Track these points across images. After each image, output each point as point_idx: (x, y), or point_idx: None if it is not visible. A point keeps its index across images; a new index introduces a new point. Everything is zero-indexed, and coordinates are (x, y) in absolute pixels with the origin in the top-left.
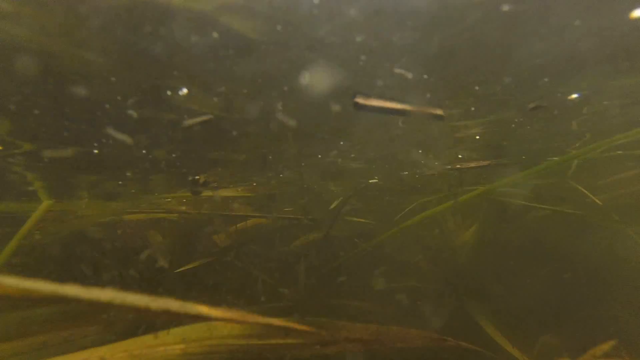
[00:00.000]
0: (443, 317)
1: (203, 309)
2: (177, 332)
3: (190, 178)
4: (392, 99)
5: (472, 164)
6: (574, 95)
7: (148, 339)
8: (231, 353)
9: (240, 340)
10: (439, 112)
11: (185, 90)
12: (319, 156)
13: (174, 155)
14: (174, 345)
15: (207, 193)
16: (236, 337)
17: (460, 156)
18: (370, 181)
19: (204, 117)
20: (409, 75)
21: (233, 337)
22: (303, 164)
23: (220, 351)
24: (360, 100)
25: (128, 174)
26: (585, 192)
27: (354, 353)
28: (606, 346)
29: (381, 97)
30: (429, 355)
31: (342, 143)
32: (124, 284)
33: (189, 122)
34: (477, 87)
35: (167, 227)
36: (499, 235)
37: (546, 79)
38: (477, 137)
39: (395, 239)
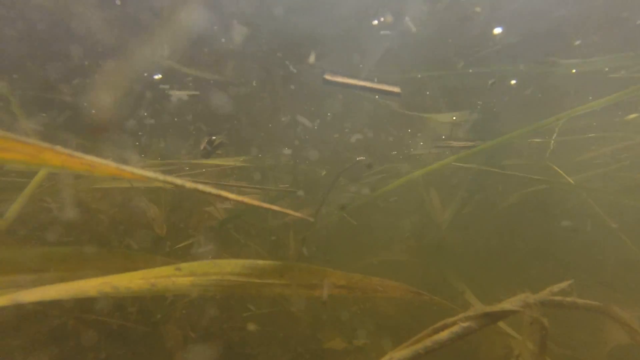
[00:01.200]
0: (426, 285)
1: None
2: (186, 266)
3: (206, 138)
4: (355, 77)
5: (460, 144)
6: None
7: (162, 270)
8: (232, 287)
9: (241, 277)
10: (396, 89)
11: None
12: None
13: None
14: (184, 277)
15: (213, 160)
16: (237, 275)
17: (443, 137)
18: (358, 159)
19: (191, 92)
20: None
21: (235, 274)
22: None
23: (223, 284)
24: (328, 77)
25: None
26: (560, 171)
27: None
28: (563, 284)
29: (347, 75)
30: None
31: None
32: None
33: (176, 92)
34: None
35: (163, 198)
36: (478, 211)
37: None
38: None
39: (383, 215)
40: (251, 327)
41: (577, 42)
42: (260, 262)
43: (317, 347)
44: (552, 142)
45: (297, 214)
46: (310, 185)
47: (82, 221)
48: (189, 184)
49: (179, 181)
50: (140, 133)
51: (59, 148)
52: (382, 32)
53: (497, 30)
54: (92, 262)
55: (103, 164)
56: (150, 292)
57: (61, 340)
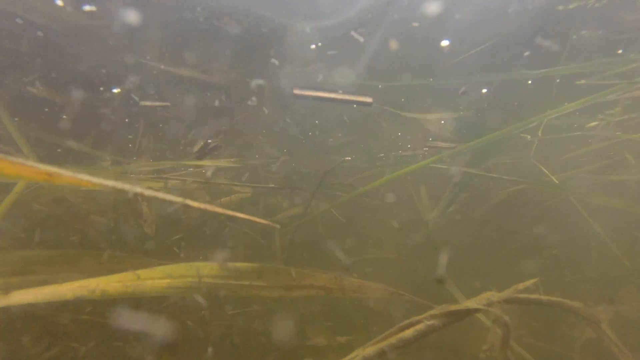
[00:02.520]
0: (415, 282)
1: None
2: (163, 269)
3: (202, 141)
4: (325, 89)
5: (444, 145)
6: None
7: (139, 272)
8: (209, 289)
9: (217, 280)
10: (368, 99)
11: None
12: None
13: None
14: (160, 279)
15: (206, 161)
16: (214, 277)
17: (430, 139)
18: (343, 159)
19: (162, 104)
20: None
21: (211, 276)
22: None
23: (199, 287)
24: (297, 91)
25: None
26: (544, 170)
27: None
28: (528, 282)
29: (315, 88)
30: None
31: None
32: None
33: (146, 103)
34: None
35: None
36: (465, 210)
37: None
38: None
39: (372, 213)
40: (238, 324)
41: (527, 53)
42: (237, 264)
43: (302, 343)
44: (536, 141)
45: (262, 221)
46: (299, 185)
47: (71, 222)
48: (145, 191)
49: (134, 188)
50: (130, 136)
51: (12, 158)
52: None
53: (445, 43)
54: (77, 265)
55: (61, 174)
56: (126, 295)
57: (51, 339)
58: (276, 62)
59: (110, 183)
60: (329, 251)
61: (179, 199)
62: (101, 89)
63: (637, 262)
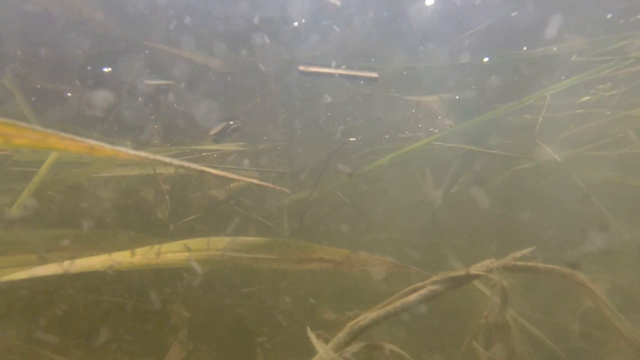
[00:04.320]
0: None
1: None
2: (182, 243)
3: (223, 122)
4: (329, 66)
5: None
6: None
7: (159, 247)
8: (224, 261)
9: (232, 253)
10: (374, 75)
11: None
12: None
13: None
14: (180, 252)
15: (215, 146)
16: (229, 250)
17: (439, 117)
18: (349, 139)
19: (165, 81)
20: None
21: (227, 249)
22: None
23: (215, 259)
24: (302, 68)
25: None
26: (547, 148)
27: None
28: (525, 251)
29: (321, 64)
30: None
31: None
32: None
33: (150, 81)
34: None
35: (163, 183)
36: (469, 190)
37: None
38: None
39: (375, 194)
40: (250, 302)
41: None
42: (250, 238)
43: (311, 318)
44: (540, 119)
45: (279, 188)
46: (306, 167)
47: (88, 207)
48: (183, 164)
49: (173, 161)
50: (142, 123)
51: (61, 133)
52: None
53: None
54: (97, 244)
55: (101, 147)
56: (149, 267)
57: (71, 319)
58: (279, 45)
59: (144, 154)
60: (336, 232)
61: (208, 169)
62: (114, 74)
63: (636, 234)
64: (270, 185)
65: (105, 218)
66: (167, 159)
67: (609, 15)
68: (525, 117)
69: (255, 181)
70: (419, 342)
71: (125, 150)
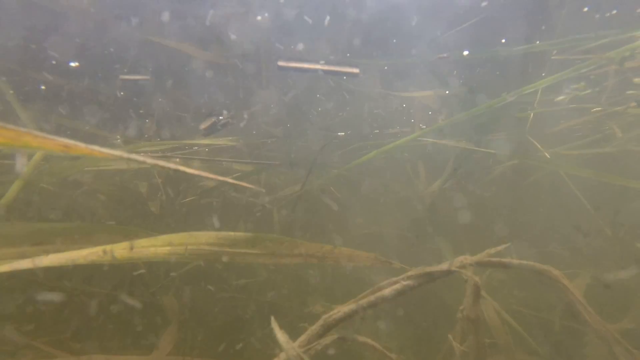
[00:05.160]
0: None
1: None
2: (165, 237)
3: (213, 117)
4: (310, 61)
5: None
6: None
7: (142, 241)
8: (206, 255)
9: (214, 247)
10: (355, 70)
11: None
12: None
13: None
14: (162, 247)
15: (206, 140)
16: (211, 244)
17: (430, 112)
18: (338, 134)
19: (142, 77)
20: None
21: (209, 244)
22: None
23: (198, 253)
24: (282, 63)
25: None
26: (537, 144)
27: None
28: (501, 247)
29: (300, 60)
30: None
31: None
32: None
33: (125, 77)
34: None
35: (157, 176)
36: (461, 186)
37: None
38: None
39: (368, 191)
40: (240, 295)
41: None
42: (232, 233)
43: (300, 311)
44: (530, 116)
45: (250, 186)
46: (298, 161)
47: (80, 200)
48: (158, 162)
49: (148, 160)
50: (135, 117)
51: (35, 132)
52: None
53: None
54: (90, 237)
55: (75, 145)
56: (132, 260)
57: (64, 312)
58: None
59: (118, 153)
60: (326, 225)
61: (191, 170)
62: (105, 68)
63: (618, 231)
64: (246, 185)
65: (98, 211)
66: (140, 158)
67: (585, 9)
68: (515, 113)
69: (230, 180)
70: (401, 335)
71: (100, 149)
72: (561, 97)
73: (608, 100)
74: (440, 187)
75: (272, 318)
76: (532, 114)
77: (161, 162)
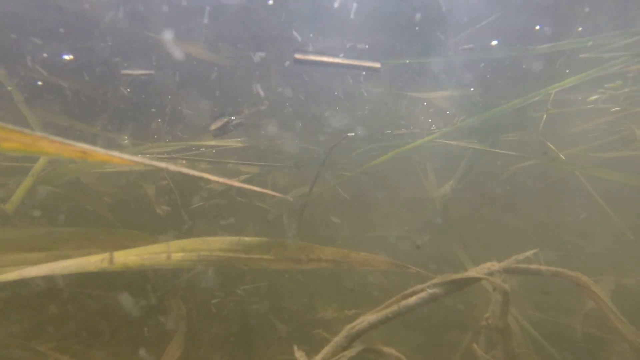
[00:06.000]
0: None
1: None
2: (177, 243)
3: (225, 118)
4: (328, 54)
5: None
6: None
7: (154, 247)
8: (220, 261)
9: (228, 253)
10: (376, 65)
11: None
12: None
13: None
14: (175, 252)
15: (213, 141)
16: (225, 250)
17: (447, 112)
18: (348, 134)
19: (146, 72)
20: None
21: (222, 250)
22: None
23: (211, 260)
24: (299, 56)
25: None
26: (551, 146)
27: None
28: (528, 253)
29: (319, 53)
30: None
31: None
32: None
33: (127, 71)
34: None
35: (164, 178)
36: (473, 186)
37: None
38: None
39: (377, 190)
40: (250, 299)
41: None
42: (246, 239)
43: (311, 317)
44: (544, 116)
45: (270, 192)
46: (308, 163)
47: (87, 202)
48: (172, 167)
49: (161, 164)
50: (145, 118)
51: (52, 137)
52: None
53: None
54: (96, 241)
55: (94, 151)
56: (143, 267)
57: (72, 314)
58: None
59: (140, 159)
60: (336, 228)
61: (199, 174)
62: (113, 70)
63: None
64: (257, 189)
65: (104, 214)
66: (154, 162)
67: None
68: (533, 113)
69: (235, 183)
70: (417, 341)
71: (120, 155)
72: (594, 97)
73: (622, 100)
74: (452, 188)
75: (295, 348)
76: (545, 115)
77: (172, 167)
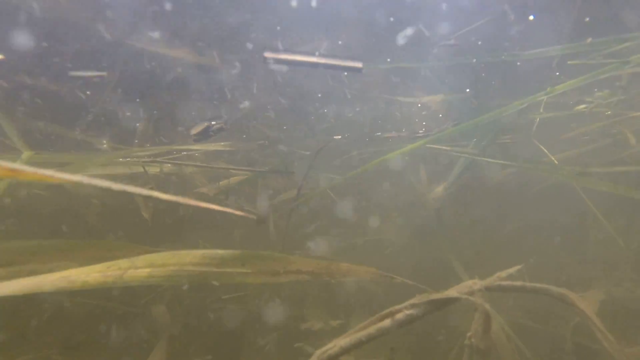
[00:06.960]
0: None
1: None
2: (145, 258)
3: (205, 123)
4: (302, 53)
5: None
6: None
7: (120, 262)
8: (190, 277)
9: (200, 267)
10: (358, 64)
11: None
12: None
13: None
14: (142, 268)
15: (199, 146)
16: (197, 265)
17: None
18: (335, 137)
19: (97, 73)
20: None
21: (194, 264)
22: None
23: (180, 275)
24: (268, 54)
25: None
26: (545, 150)
27: None
28: (512, 270)
29: (290, 51)
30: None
31: None
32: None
33: (77, 73)
34: None
35: (149, 182)
36: (464, 191)
37: None
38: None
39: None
40: (233, 308)
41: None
42: (220, 251)
43: (296, 328)
44: (537, 120)
45: (240, 213)
46: (295, 167)
47: (68, 208)
48: (115, 186)
49: (102, 183)
50: (127, 122)
51: None
52: None
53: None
54: (68, 254)
55: (23, 170)
56: (107, 285)
57: (56, 323)
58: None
59: (76, 178)
60: (324, 232)
61: (138, 190)
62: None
63: (632, 243)
64: (231, 211)
65: (86, 221)
66: (93, 180)
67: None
68: (525, 117)
69: (218, 208)
70: (396, 355)
71: (52, 174)
72: (582, 107)
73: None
74: (443, 192)
75: None
76: (538, 119)
77: (129, 188)
